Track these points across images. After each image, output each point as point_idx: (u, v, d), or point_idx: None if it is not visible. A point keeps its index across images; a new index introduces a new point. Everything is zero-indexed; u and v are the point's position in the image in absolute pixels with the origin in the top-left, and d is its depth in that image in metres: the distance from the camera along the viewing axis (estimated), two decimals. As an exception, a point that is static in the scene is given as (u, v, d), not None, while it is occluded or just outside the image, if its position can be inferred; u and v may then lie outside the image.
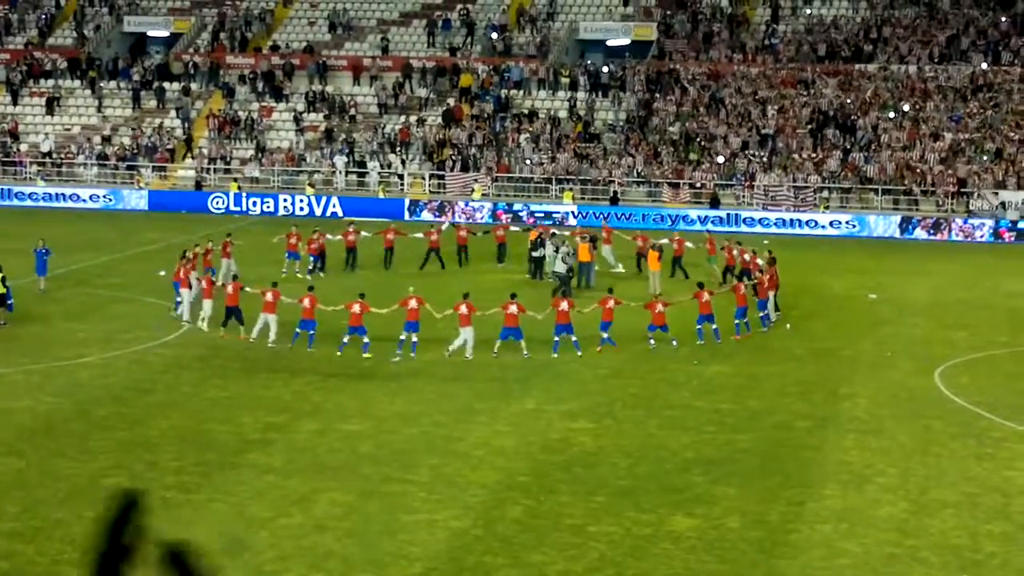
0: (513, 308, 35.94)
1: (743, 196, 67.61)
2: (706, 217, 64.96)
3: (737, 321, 38.66)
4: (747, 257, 45.01)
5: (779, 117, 71.82)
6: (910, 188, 66.41)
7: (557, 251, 45.61)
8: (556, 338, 36.05)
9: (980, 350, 37.93)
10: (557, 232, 50.33)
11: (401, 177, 72.43)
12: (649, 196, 68.92)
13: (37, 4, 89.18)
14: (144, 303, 43.19)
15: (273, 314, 36.73)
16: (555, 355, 35.80)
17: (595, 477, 25.41)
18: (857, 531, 22.70)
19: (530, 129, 73.50)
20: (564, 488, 24.70)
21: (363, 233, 50.69)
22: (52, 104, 79.48)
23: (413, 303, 36.01)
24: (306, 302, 36.45)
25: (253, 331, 36.98)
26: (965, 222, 63.36)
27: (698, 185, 68.37)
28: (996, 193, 64.52)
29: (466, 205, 67.34)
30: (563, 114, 74.98)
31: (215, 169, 73.98)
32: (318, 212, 68.13)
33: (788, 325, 40.78)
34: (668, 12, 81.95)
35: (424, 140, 73.82)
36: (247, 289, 37.71)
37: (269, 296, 37.05)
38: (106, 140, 76.47)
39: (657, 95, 74.86)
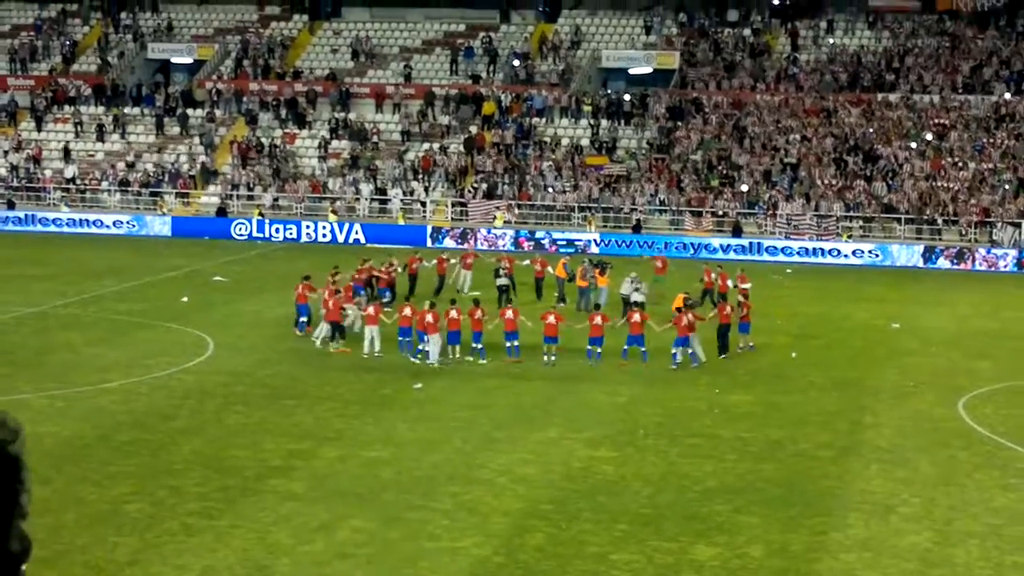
0: (551, 318, 38.66)
1: (765, 225, 67.57)
2: (728, 246, 64.96)
3: (675, 349, 38.57)
4: (729, 282, 46.08)
5: (801, 146, 71.81)
6: (933, 218, 66.29)
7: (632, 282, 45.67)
8: (589, 348, 38.54)
9: (1004, 380, 37.78)
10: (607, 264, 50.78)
11: (423, 204, 72.58)
12: (671, 224, 68.93)
13: (61, 31, 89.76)
14: (167, 329, 43.30)
15: (376, 326, 39.01)
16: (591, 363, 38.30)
17: (617, 505, 25.34)
18: (881, 561, 22.59)
19: (552, 157, 73.60)
20: (586, 516, 24.63)
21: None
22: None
23: (552, 319, 38.75)
24: (509, 314, 39.17)
25: (364, 346, 39.16)
26: (988, 252, 63.19)
27: (720, 213, 68.38)
28: (1019, 224, 64.33)
29: (488, 233, 67.40)
30: (585, 142, 75.10)
31: (238, 196, 74.23)
32: (340, 239, 68.26)
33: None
34: (691, 41, 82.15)
35: (446, 167, 73.98)
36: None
37: (371, 310, 39.62)
38: (129, 166, 76.80)
39: (679, 124, 74.94)
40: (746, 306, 41.26)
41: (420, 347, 38.34)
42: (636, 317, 39.14)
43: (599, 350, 38.38)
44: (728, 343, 39.87)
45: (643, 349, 38.55)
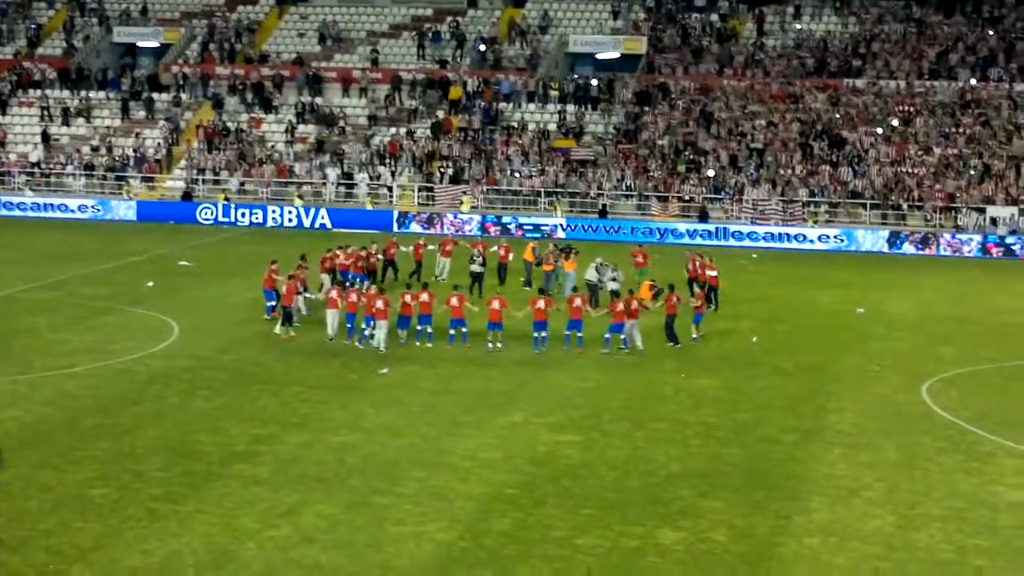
0: (496, 304, 38.69)
1: (731, 210, 67.69)
2: (694, 231, 65.11)
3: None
4: (711, 272, 45.58)
5: (768, 131, 71.95)
6: (898, 203, 66.55)
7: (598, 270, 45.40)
8: (535, 335, 38.32)
9: (967, 365, 38.00)
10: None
11: (390, 189, 72.42)
12: (638, 209, 69.01)
13: (26, 14, 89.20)
14: (132, 314, 43.15)
15: (336, 310, 38.82)
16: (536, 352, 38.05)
17: (582, 490, 25.41)
18: (844, 545, 22.72)
19: (519, 142, 73.55)
20: (551, 501, 24.69)
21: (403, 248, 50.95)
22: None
23: (496, 304, 38.75)
24: (454, 301, 38.74)
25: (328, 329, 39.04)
26: (953, 237, 63.50)
27: (687, 198, 68.47)
28: (983, 210, 64.65)
29: (455, 217, 67.34)
30: (552, 127, 75.06)
31: (204, 180, 73.90)
32: (307, 224, 68.14)
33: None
34: (658, 26, 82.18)
35: (413, 152, 73.85)
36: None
37: (333, 294, 39.43)
38: (95, 150, 76.42)
39: (646, 109, 74.98)
40: (699, 297, 41.10)
41: (366, 332, 38.18)
42: (577, 302, 38.86)
43: (544, 335, 38.08)
44: (676, 333, 39.42)
45: (579, 334, 38.34)
